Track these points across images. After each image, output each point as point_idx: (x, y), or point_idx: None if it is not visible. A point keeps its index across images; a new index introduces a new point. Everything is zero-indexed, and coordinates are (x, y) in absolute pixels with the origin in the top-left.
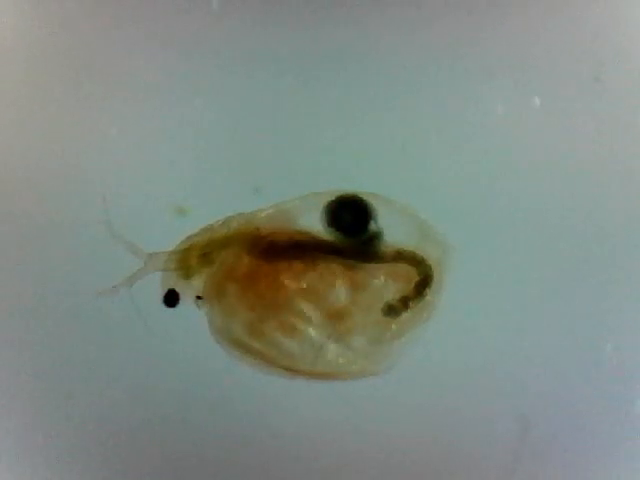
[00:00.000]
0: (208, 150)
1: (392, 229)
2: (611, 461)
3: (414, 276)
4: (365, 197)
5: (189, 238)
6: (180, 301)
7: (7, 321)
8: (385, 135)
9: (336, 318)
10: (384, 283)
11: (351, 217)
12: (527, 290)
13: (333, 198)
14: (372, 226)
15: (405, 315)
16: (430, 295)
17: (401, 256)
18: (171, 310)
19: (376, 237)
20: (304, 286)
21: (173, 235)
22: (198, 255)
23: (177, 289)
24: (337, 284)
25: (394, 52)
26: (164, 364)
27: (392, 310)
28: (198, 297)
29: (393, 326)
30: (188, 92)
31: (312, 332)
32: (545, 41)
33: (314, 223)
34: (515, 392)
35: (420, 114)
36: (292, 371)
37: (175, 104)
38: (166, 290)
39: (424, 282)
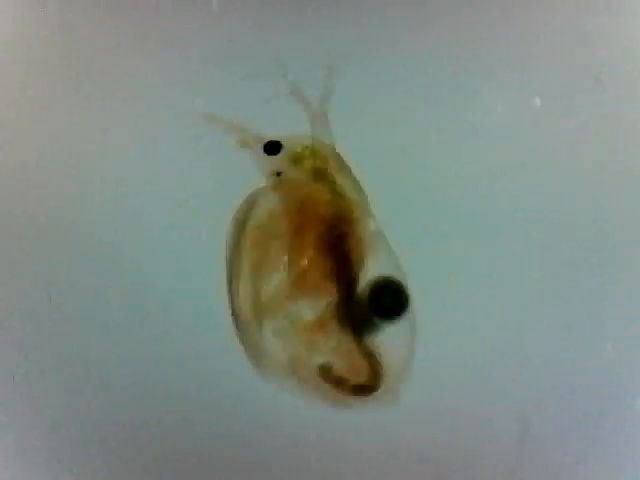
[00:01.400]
0: (208, 150)
1: None
2: (611, 461)
3: None
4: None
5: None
6: (281, 151)
7: (7, 321)
8: (385, 135)
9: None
10: None
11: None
12: (527, 290)
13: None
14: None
15: None
16: None
17: None
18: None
19: None
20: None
21: (172, 235)
22: (313, 159)
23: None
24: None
25: (394, 52)
26: (164, 364)
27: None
28: (278, 173)
29: None
30: (188, 92)
31: None
32: (545, 41)
33: None
34: (515, 392)
35: (420, 114)
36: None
37: (175, 104)
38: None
39: None
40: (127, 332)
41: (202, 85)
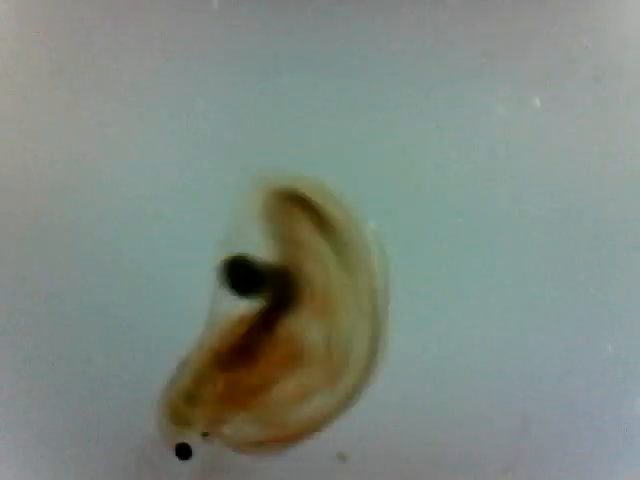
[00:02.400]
0: (209, 150)
1: None
2: (611, 461)
3: None
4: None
5: (172, 388)
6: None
7: (7, 321)
8: (385, 135)
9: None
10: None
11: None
12: (527, 290)
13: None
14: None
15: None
16: None
17: None
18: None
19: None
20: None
21: (173, 235)
22: (185, 400)
23: (184, 440)
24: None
25: (394, 52)
26: (163, 365)
27: None
28: (204, 434)
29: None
30: (188, 92)
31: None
32: (545, 41)
33: None
34: (515, 392)
35: (420, 114)
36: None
37: (175, 104)
38: (176, 445)
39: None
40: (127, 332)
41: (202, 85)
